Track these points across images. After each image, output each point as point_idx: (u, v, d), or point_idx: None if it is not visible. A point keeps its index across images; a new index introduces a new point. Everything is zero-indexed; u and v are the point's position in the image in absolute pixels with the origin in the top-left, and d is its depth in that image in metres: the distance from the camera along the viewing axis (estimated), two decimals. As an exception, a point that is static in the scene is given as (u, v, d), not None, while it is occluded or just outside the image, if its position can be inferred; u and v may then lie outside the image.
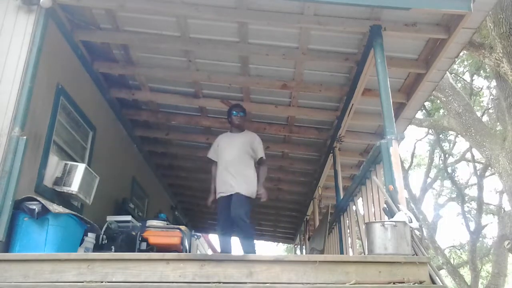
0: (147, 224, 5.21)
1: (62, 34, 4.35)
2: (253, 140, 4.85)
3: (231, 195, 4.50)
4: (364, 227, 3.86)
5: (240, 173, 4.58)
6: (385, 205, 3.41)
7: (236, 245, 4.98)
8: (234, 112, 4.92)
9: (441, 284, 2.80)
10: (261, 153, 4.82)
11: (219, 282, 2.70)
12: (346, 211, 5.51)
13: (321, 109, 5.90)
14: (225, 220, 4.56)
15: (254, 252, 4.44)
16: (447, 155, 16.62)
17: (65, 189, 4.23)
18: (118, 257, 2.87)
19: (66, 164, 4.34)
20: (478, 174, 15.37)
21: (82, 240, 3.93)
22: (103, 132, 5.61)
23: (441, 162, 17.13)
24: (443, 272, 15.46)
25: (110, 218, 5.15)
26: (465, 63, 13.51)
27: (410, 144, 28.46)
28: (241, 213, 4.35)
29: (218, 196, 4.68)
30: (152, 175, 8.54)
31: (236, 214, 4.35)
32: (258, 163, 4.84)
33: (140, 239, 4.95)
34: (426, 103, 12.45)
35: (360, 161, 6.96)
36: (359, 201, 4.90)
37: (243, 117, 4.98)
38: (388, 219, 3.19)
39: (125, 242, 4.85)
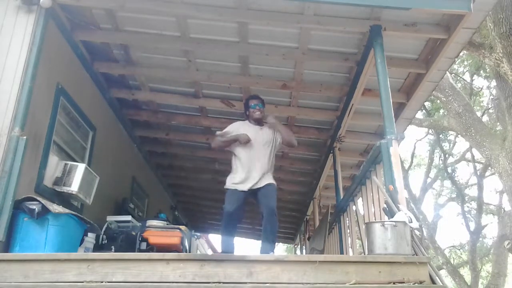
0: (147, 224, 5.21)
1: (62, 34, 4.35)
2: (277, 135, 4.46)
3: (255, 189, 4.17)
4: (364, 227, 3.86)
5: (266, 169, 4.27)
6: (385, 205, 3.41)
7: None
8: (252, 104, 4.40)
9: (441, 284, 2.80)
10: (294, 141, 4.52)
11: (219, 282, 2.70)
12: (346, 211, 5.51)
13: (321, 109, 5.90)
14: (234, 215, 4.14)
15: (273, 249, 4.17)
16: (447, 155, 16.62)
17: (65, 189, 4.23)
18: (118, 257, 2.87)
19: (66, 164, 4.34)
20: (478, 174, 15.37)
21: (82, 240, 3.93)
22: (103, 132, 5.61)
23: (441, 162, 17.13)
24: (443, 272, 15.45)
25: (110, 218, 5.16)
26: (465, 63, 13.51)
27: (410, 144, 28.43)
28: (275, 205, 4.08)
29: (232, 187, 4.24)
30: (152, 175, 8.55)
31: (272, 206, 4.04)
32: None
33: (140, 239, 4.95)
34: (426, 103, 12.45)
35: (360, 161, 6.96)
36: (359, 201, 4.90)
37: (262, 109, 4.42)
38: (388, 219, 3.19)
39: (125, 242, 4.85)
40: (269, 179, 4.27)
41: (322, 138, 6.61)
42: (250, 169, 4.23)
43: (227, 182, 4.33)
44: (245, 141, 4.23)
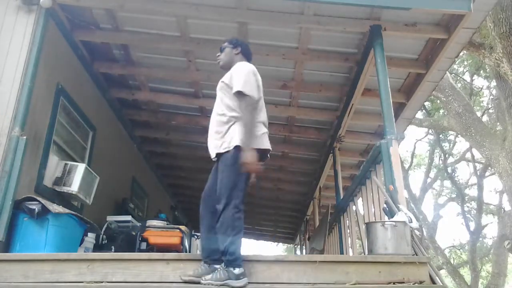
0: (147, 224, 5.22)
1: (62, 34, 4.36)
2: (228, 76, 3.08)
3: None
4: (364, 227, 3.86)
5: (212, 132, 2.98)
6: (385, 205, 3.41)
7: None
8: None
9: (441, 284, 2.80)
10: (236, 85, 2.94)
11: (219, 282, 2.69)
12: (346, 211, 5.51)
13: (321, 109, 5.89)
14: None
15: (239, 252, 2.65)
16: (447, 155, 16.62)
17: (65, 189, 4.24)
18: (118, 257, 2.87)
19: (66, 164, 4.34)
20: (478, 174, 15.36)
21: (82, 240, 3.93)
22: (103, 132, 5.61)
23: (441, 162, 17.13)
24: (443, 272, 15.45)
25: (110, 218, 5.16)
26: (465, 63, 13.51)
27: (410, 144, 28.55)
28: (223, 193, 2.70)
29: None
30: (152, 175, 8.55)
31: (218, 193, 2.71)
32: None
33: (140, 239, 4.95)
34: (426, 103, 12.44)
35: (360, 161, 6.96)
36: (359, 201, 4.90)
37: (220, 54, 3.27)
38: (388, 219, 3.19)
39: (125, 242, 4.85)
40: (219, 144, 2.84)
41: (322, 138, 6.61)
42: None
43: None
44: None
